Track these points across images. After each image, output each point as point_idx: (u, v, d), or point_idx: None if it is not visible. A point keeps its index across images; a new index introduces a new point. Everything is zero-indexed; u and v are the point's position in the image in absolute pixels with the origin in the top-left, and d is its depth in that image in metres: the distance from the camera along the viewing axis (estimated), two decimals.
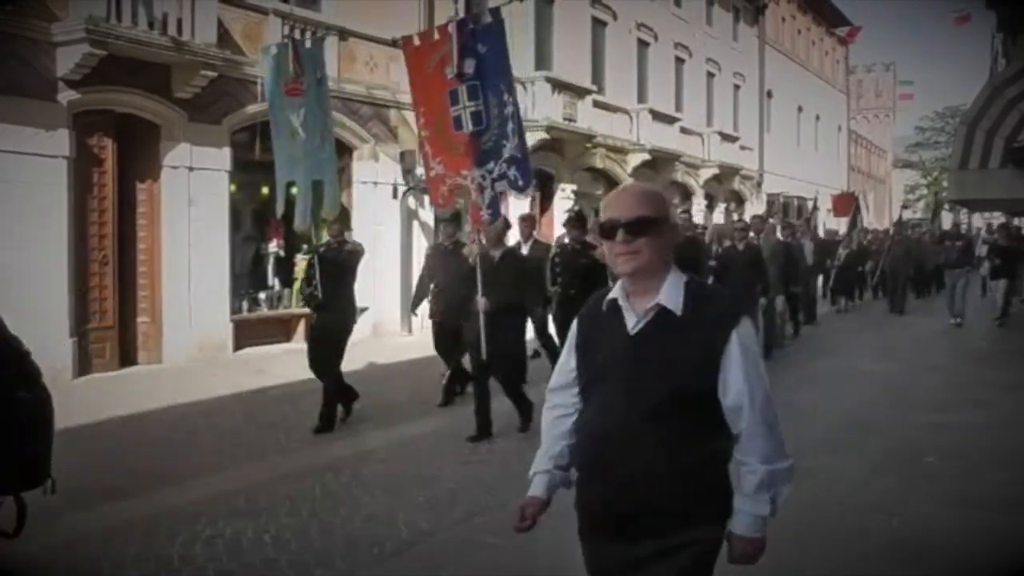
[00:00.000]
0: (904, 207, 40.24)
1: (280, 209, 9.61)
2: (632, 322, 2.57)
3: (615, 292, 2.64)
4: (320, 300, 8.76)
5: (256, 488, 6.68)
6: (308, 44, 9.44)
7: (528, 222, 12.24)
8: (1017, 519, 5.96)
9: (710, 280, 12.03)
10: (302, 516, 6.07)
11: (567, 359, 2.81)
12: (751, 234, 13.63)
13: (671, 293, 2.54)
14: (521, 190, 8.60)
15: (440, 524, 5.94)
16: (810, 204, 30.47)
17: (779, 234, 18.31)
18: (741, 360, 2.48)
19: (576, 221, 10.34)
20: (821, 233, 26.41)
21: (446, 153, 8.57)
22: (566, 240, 11.10)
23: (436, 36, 8.74)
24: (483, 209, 8.31)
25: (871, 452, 7.91)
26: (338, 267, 8.85)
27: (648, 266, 2.53)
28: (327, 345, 8.86)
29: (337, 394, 8.93)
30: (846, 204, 29.71)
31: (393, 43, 15.10)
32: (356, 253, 9.19)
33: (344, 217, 8.85)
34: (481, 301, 8.20)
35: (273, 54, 9.34)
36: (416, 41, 8.99)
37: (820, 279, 21.44)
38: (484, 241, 8.66)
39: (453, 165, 8.50)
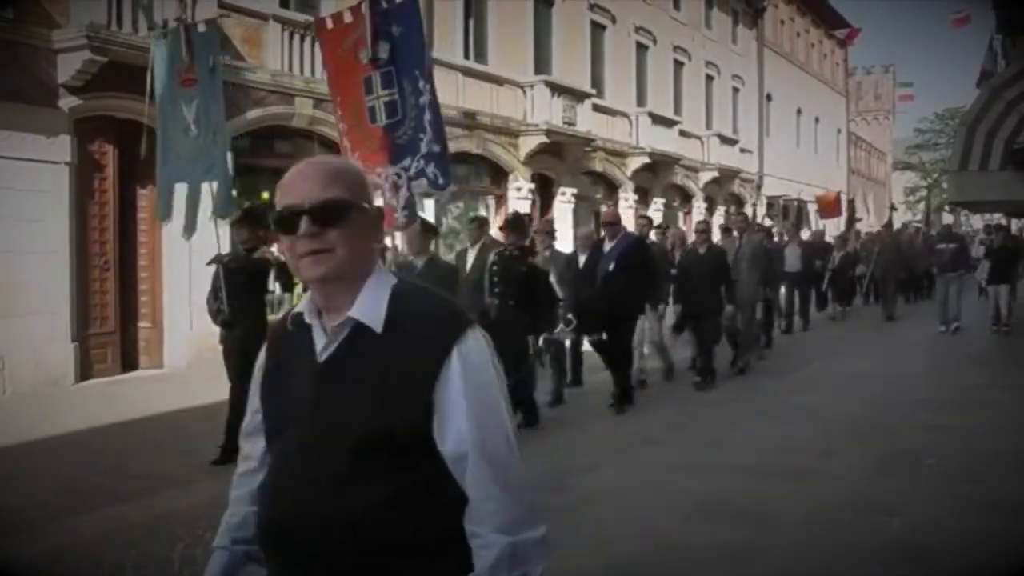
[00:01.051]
0: (893, 209, 39.13)
1: (163, 214, 8.69)
2: (321, 344, 1.89)
3: (302, 305, 1.95)
4: (227, 316, 7.78)
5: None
6: (201, 28, 8.54)
7: (477, 224, 10.77)
8: (1018, 521, 5.98)
9: (671, 289, 11.91)
10: None
11: (252, 395, 2.10)
12: (734, 234, 13.21)
13: (370, 303, 1.85)
14: (441, 189, 7.76)
15: None
16: (795, 205, 29.83)
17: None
18: (462, 390, 1.79)
19: (514, 224, 9.46)
20: (805, 236, 24.80)
21: (365, 148, 7.70)
22: (541, 243, 10.70)
23: (349, 18, 7.84)
24: (397, 211, 7.51)
25: (871, 454, 7.92)
26: (246, 278, 7.86)
27: (342, 268, 1.84)
28: (236, 364, 7.80)
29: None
30: (832, 205, 28.18)
31: (307, 27, 15.03)
32: (265, 262, 8.10)
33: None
34: None
35: (166, 40, 8.50)
36: (329, 23, 8.19)
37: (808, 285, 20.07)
38: (406, 248, 7.93)
39: (372, 161, 7.56)
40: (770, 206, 28.06)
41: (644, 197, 27.01)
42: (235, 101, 14.26)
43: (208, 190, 8.35)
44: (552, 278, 9.77)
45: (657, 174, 27.22)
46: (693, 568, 5.26)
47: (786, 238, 19.92)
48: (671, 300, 11.97)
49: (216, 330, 8.44)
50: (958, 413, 9.76)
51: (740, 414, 9.87)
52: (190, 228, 8.47)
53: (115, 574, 5.15)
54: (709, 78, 31.82)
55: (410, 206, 7.62)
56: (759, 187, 35.03)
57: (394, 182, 7.47)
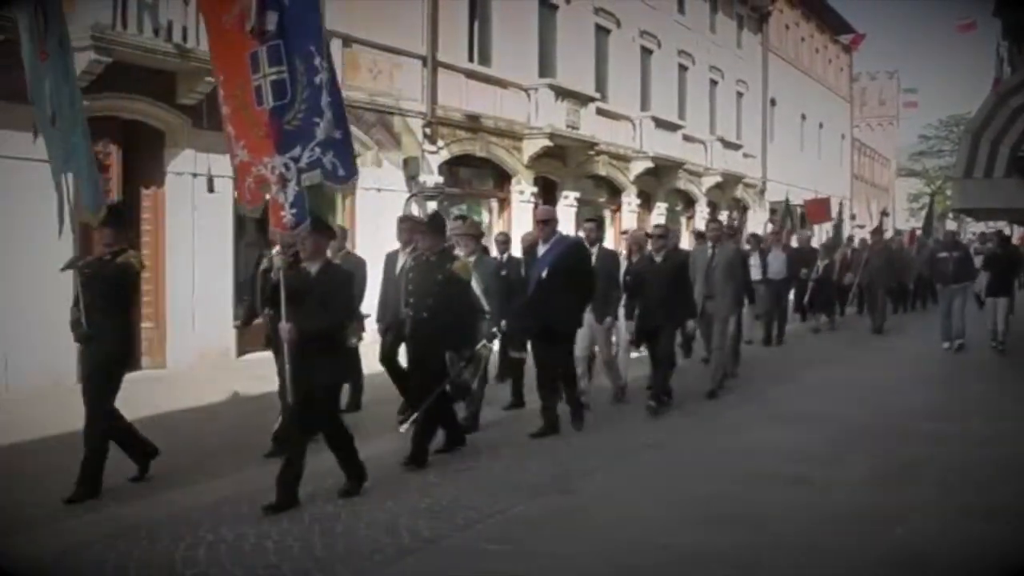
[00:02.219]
0: (885, 214, 38.25)
1: (65, 217, 7.15)
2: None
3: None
4: (84, 331, 6.83)
5: (258, 493, 6.68)
6: None
7: (406, 225, 9.79)
8: (1019, 528, 5.97)
9: (622, 301, 10.27)
10: (304, 522, 6.07)
11: None
12: (716, 240, 11.67)
13: None
14: (342, 182, 6.62)
15: (441, 531, 5.94)
16: (798, 211, 28.56)
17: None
18: None
19: (431, 225, 8.08)
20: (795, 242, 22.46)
21: (250, 135, 6.58)
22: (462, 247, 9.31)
23: None
24: (285, 209, 6.43)
25: (876, 461, 7.91)
26: (107, 286, 6.88)
27: None
28: (94, 386, 6.92)
29: (101, 453, 6.82)
30: (821, 209, 26.70)
31: None
32: (129, 268, 7.04)
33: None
34: (284, 328, 6.38)
35: (28, 8, 6.98)
36: None
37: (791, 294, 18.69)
38: (301, 252, 6.71)
39: (258, 151, 6.54)
40: (773, 211, 27.85)
41: (647, 201, 27.02)
42: None
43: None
44: (477, 287, 8.67)
45: (660, 178, 27.22)
46: (695, 570, 5.25)
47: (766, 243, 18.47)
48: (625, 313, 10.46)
49: (219, 333, 8.49)
50: (961, 421, 9.75)
51: (744, 420, 9.86)
52: (60, 228, 7.07)
53: (117, 574, 5.15)
54: (713, 83, 31.83)
55: (300, 203, 6.46)
56: (762, 192, 35.02)
57: (281, 174, 6.40)
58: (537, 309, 8.70)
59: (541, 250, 8.97)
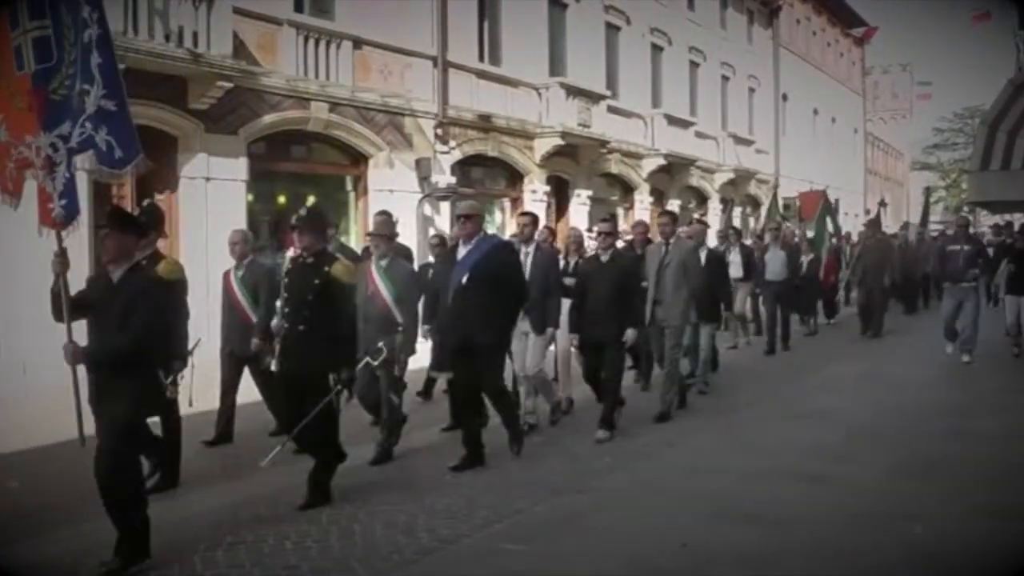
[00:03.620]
0: (883, 204, 36.68)
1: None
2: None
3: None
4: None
5: (277, 495, 6.70)
6: None
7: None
8: None
9: (567, 305, 9.13)
10: (322, 523, 6.08)
11: None
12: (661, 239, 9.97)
13: None
14: (119, 166, 5.34)
15: (459, 531, 5.94)
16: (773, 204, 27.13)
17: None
18: None
19: (309, 220, 6.86)
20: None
21: (10, 108, 5.32)
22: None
23: None
24: (54, 200, 5.26)
25: (891, 459, 7.87)
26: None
27: None
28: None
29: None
30: (815, 204, 23.89)
31: (321, 32, 14.99)
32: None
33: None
34: (67, 348, 5.32)
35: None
36: None
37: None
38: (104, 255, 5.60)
39: (18, 127, 5.29)
40: (786, 207, 27.60)
41: (660, 199, 26.96)
42: (250, 106, 14.33)
43: None
44: (388, 296, 7.84)
45: (673, 175, 27.17)
46: (712, 570, 5.23)
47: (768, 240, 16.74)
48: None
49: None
50: (979, 418, 9.70)
51: (757, 418, 9.82)
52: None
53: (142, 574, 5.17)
54: (724, 78, 31.74)
55: (71, 192, 5.30)
56: (775, 188, 34.89)
57: (48, 156, 5.18)
58: (455, 321, 7.57)
59: (462, 252, 7.67)
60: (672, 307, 9.65)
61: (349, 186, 17.06)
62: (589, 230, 13.88)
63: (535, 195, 20.94)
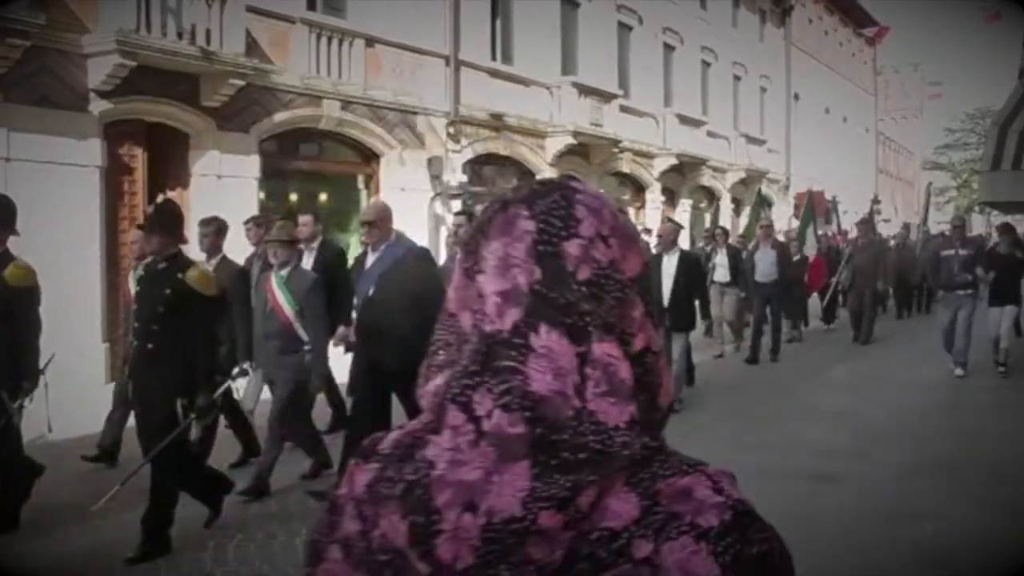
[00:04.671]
0: (876, 202, 35.70)
1: None
2: None
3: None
4: None
5: (287, 492, 6.72)
6: None
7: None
8: None
9: None
10: None
11: None
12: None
13: None
14: None
15: None
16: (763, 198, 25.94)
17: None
18: None
19: (157, 221, 5.82)
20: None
21: None
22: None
23: None
24: None
25: (903, 458, 7.85)
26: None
27: None
28: None
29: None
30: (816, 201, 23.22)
31: (333, 30, 14.96)
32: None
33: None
34: None
35: None
36: None
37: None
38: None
39: None
40: (796, 207, 27.46)
41: (671, 198, 26.94)
42: (262, 104, 14.36)
43: None
44: (289, 308, 6.87)
45: (684, 175, 27.13)
46: None
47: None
48: None
49: None
50: (993, 418, 9.67)
51: (766, 416, 9.80)
52: None
53: (148, 572, 5.18)
54: (736, 78, 31.68)
55: None
56: (787, 187, 34.82)
57: None
58: (361, 339, 6.71)
59: (369, 260, 6.74)
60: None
61: (361, 184, 17.09)
62: None
63: None
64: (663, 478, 0.90)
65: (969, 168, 62.12)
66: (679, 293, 9.95)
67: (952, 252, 12.84)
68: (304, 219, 8.45)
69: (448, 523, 0.85)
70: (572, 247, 0.90)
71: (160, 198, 7.00)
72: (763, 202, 22.78)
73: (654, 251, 10.28)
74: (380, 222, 6.63)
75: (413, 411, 6.04)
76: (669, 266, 10.04)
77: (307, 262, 8.00)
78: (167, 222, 5.71)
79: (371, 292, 6.48)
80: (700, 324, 10.84)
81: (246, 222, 8.89)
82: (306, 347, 6.81)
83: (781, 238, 17.81)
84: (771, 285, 14.57)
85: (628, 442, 0.87)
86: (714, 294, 14.13)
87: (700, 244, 18.35)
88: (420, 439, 0.91)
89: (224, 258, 7.57)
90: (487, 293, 0.90)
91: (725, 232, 16.36)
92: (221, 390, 5.97)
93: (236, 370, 6.91)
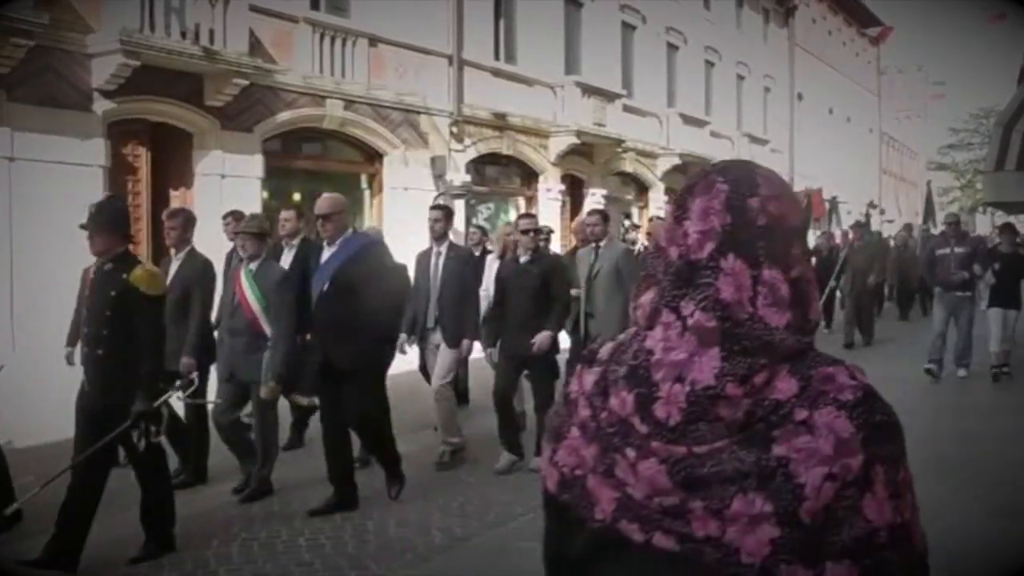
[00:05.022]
0: (871, 206, 34.75)
1: None
2: None
3: None
4: None
5: (290, 491, 6.73)
6: None
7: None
8: None
9: (483, 310, 8.35)
10: (335, 520, 6.10)
11: None
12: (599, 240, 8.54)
13: None
14: None
15: (472, 529, 5.96)
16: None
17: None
18: None
19: (98, 220, 5.42)
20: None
21: None
22: None
23: None
24: None
25: (909, 459, 7.84)
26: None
27: None
28: None
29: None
30: (812, 204, 23.70)
31: (337, 29, 14.98)
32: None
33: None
34: None
35: None
36: None
37: None
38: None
39: None
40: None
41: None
42: (266, 103, 14.38)
43: None
44: (256, 305, 6.70)
45: (688, 175, 27.08)
46: None
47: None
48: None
49: None
50: (996, 419, 9.66)
51: None
52: None
53: (152, 572, 5.19)
54: (740, 78, 31.66)
55: None
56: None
57: None
58: (317, 338, 6.50)
59: (325, 255, 6.46)
60: (606, 320, 8.14)
61: (364, 184, 17.10)
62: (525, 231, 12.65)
63: (549, 194, 20.95)
64: (815, 367, 1.27)
65: (973, 168, 62.08)
66: None
67: (947, 250, 12.54)
68: (285, 214, 8.36)
69: (663, 391, 1.27)
70: (754, 202, 1.31)
71: (106, 196, 6.21)
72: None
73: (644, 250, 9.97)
74: (335, 215, 6.38)
75: (361, 418, 5.82)
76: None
77: (287, 258, 7.91)
78: (111, 220, 5.36)
79: (326, 287, 6.27)
80: None
81: (224, 216, 8.70)
82: (267, 344, 6.54)
83: None
84: None
85: (785, 338, 1.27)
86: None
87: None
88: (632, 340, 1.35)
89: (192, 251, 7.25)
90: (691, 232, 1.31)
91: None
92: (164, 398, 5.41)
93: (180, 381, 6.34)
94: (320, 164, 16.57)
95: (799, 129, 36.12)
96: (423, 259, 7.98)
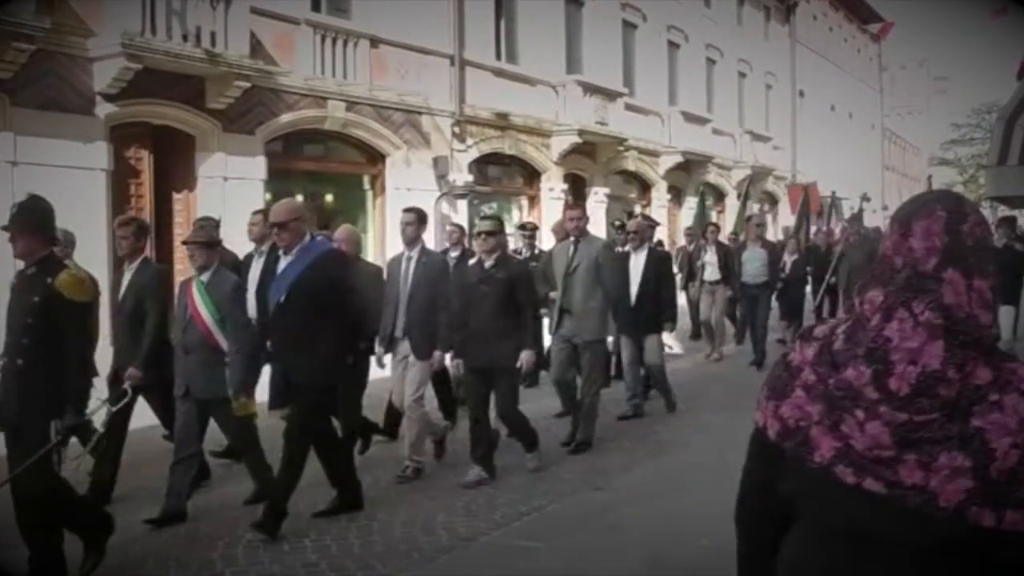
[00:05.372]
0: (866, 199, 34.24)
1: None
2: None
3: None
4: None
5: (296, 492, 6.73)
6: None
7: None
8: None
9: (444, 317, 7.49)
10: (341, 520, 6.10)
11: None
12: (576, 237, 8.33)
13: None
14: None
15: (478, 528, 5.96)
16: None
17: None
18: None
19: (19, 221, 4.96)
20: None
21: None
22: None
23: None
24: None
25: None
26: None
27: None
28: None
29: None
30: (798, 198, 22.69)
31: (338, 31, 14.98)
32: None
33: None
34: None
35: None
36: None
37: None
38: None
39: None
40: (792, 202, 27.24)
41: (677, 196, 26.93)
42: (268, 105, 14.39)
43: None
44: (209, 317, 6.24)
45: (690, 173, 27.11)
46: (733, 568, 5.21)
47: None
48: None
49: None
50: None
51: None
52: None
53: (158, 573, 5.20)
54: (741, 75, 31.64)
55: None
56: (747, 179, 34.69)
57: None
58: (274, 351, 6.18)
59: (282, 264, 6.11)
60: (584, 318, 7.97)
61: (367, 185, 17.11)
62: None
63: (552, 193, 20.95)
64: (1002, 361, 1.63)
65: (975, 163, 61.94)
66: (648, 292, 9.38)
67: None
68: (253, 219, 8.03)
69: (898, 369, 1.63)
70: (965, 227, 1.68)
71: (28, 195, 5.47)
72: (749, 197, 22.10)
73: (627, 248, 9.86)
74: (292, 223, 5.99)
75: (318, 432, 5.68)
76: (637, 264, 9.53)
77: (256, 267, 7.57)
78: (34, 221, 4.95)
79: (283, 299, 5.94)
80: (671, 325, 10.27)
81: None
82: (228, 359, 6.15)
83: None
84: (759, 287, 13.31)
85: (988, 335, 1.64)
86: (703, 294, 14.10)
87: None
88: (857, 326, 1.72)
89: (145, 260, 6.89)
90: (916, 247, 1.68)
91: (716, 228, 15.72)
92: (95, 411, 5.19)
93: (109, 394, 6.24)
94: (322, 165, 16.58)
95: (801, 126, 36.09)
96: (394, 265, 7.62)
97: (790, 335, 14.75)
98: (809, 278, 16.32)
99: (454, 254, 9.45)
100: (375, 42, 16.23)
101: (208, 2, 12.72)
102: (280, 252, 6.17)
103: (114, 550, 5.30)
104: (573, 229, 8.31)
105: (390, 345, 7.37)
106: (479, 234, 7.23)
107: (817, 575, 1.78)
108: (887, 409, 1.63)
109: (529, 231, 11.35)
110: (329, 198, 16.50)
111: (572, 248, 8.25)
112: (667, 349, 11.09)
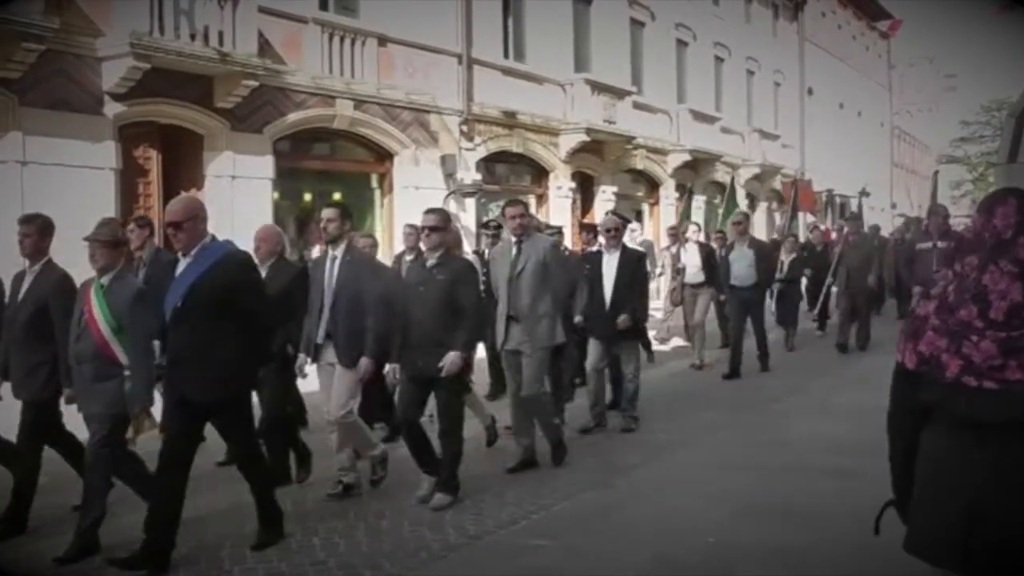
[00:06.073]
0: (865, 194, 33.26)
1: None
2: None
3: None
4: None
5: (303, 491, 6.74)
6: None
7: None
8: None
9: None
10: (349, 519, 6.10)
11: None
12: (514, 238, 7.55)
13: None
14: None
15: (486, 527, 5.95)
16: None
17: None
18: None
19: None
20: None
21: None
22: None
23: None
24: None
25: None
26: None
27: None
28: None
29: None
30: (805, 194, 23.03)
31: (346, 30, 14.96)
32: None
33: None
34: None
35: None
36: None
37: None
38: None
39: None
40: (783, 198, 27.18)
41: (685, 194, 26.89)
42: (276, 104, 14.40)
43: None
44: (105, 327, 5.54)
45: (698, 171, 27.05)
46: (739, 565, 5.21)
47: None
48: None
49: None
50: None
51: (781, 414, 9.75)
52: None
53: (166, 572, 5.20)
54: (750, 73, 31.59)
55: None
56: (733, 175, 34.57)
57: None
58: (169, 364, 5.44)
59: (180, 267, 5.50)
60: (531, 325, 7.29)
61: (375, 183, 17.13)
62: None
63: (560, 191, 20.94)
64: None
65: (985, 161, 61.67)
66: (623, 295, 8.80)
67: (929, 245, 11.55)
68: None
69: (995, 304, 2.58)
70: None
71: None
72: (734, 193, 21.70)
73: (601, 248, 9.26)
74: (187, 222, 5.41)
75: (237, 447, 5.60)
76: (611, 264, 8.90)
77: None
78: None
79: (179, 305, 5.28)
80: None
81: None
82: (126, 372, 5.47)
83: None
84: (749, 290, 12.19)
85: None
86: (685, 296, 13.39)
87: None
88: (961, 281, 2.66)
89: (48, 263, 6.29)
90: (998, 224, 2.64)
91: (697, 227, 14.82)
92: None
93: None
94: (330, 164, 16.60)
95: (810, 124, 36.00)
96: (316, 267, 6.97)
97: (789, 342, 14.68)
98: (804, 279, 16.15)
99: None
100: (383, 41, 16.24)
101: (216, 1, 12.75)
102: (179, 255, 5.55)
103: (121, 548, 5.31)
104: (515, 228, 7.43)
105: (315, 352, 6.72)
106: (422, 229, 6.65)
107: (948, 455, 2.71)
108: (992, 332, 2.55)
109: (492, 230, 10.02)
110: (337, 197, 16.50)
111: (515, 250, 7.44)
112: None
